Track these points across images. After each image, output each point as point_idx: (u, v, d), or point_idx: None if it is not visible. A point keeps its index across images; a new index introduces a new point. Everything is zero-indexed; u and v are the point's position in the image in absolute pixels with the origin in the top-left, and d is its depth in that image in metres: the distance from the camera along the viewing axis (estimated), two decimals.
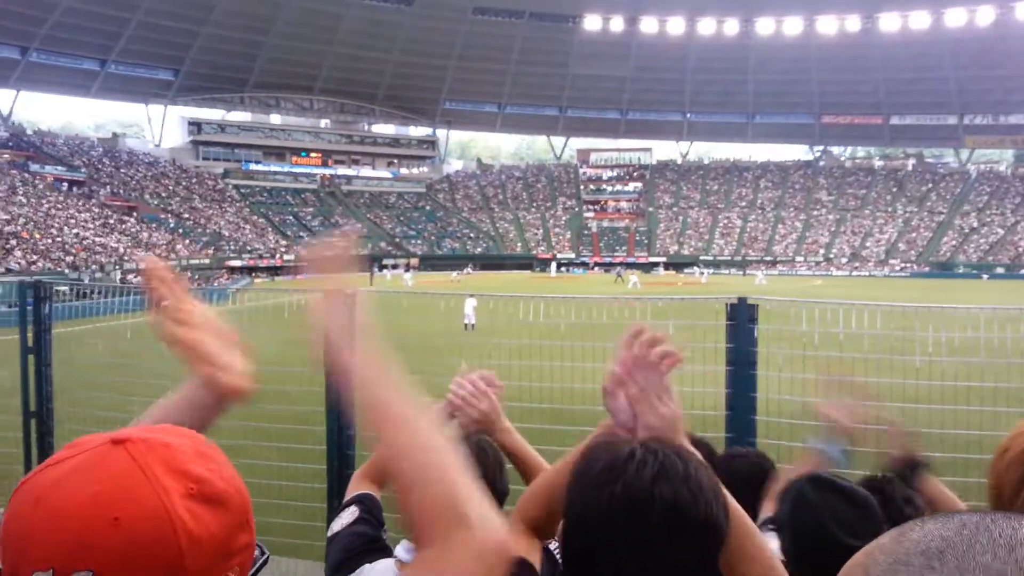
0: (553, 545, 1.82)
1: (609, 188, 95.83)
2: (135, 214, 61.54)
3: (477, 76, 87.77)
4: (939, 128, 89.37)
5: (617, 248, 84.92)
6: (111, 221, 55.97)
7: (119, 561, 0.79)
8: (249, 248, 65.83)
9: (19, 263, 40.07)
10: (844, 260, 77.78)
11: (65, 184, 61.69)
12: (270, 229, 74.12)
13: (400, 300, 7.80)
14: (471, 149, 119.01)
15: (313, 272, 1.33)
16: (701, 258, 79.94)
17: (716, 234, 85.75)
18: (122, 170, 71.69)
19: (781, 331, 4.89)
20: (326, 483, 4.67)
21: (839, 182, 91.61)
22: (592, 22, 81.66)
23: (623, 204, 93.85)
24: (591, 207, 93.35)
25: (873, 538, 0.65)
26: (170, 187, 72.78)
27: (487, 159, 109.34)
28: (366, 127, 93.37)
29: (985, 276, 65.57)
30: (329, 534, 2.00)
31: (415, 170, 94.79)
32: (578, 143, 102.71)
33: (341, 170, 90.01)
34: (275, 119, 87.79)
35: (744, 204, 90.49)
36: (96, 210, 57.22)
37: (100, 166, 70.26)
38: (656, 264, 79.37)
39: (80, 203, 57.23)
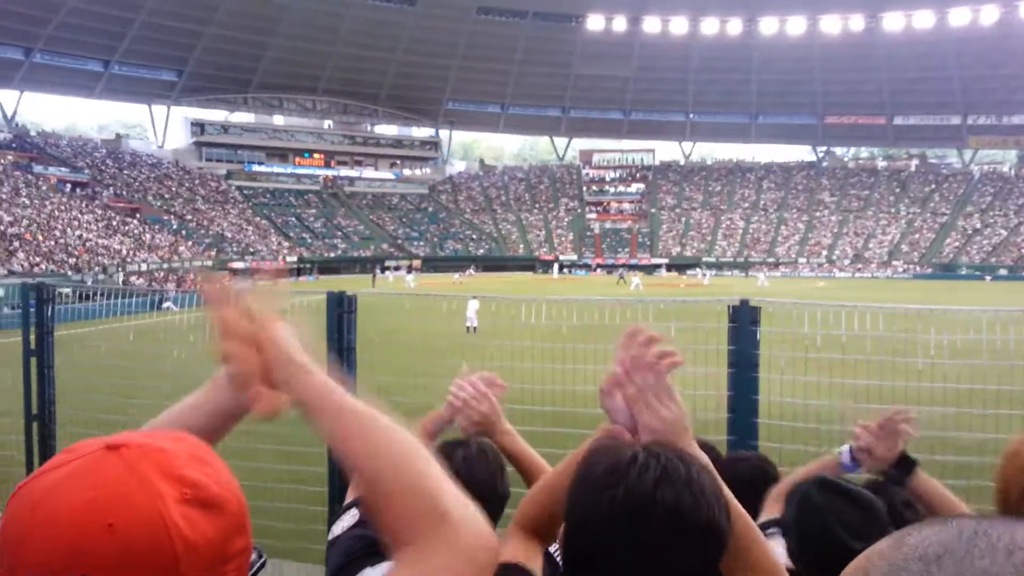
0: (554, 548, 1.82)
1: (612, 189, 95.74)
2: (138, 216, 61.63)
3: (480, 76, 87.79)
4: (943, 128, 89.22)
5: (620, 250, 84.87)
6: (114, 223, 56.05)
7: (114, 567, 0.79)
8: (252, 250, 65.88)
9: (22, 265, 40.13)
10: (847, 261, 77.65)
11: (68, 186, 61.78)
12: (273, 231, 74.21)
13: (402, 302, 7.81)
14: (474, 150, 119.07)
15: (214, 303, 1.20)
16: (704, 259, 79.77)
17: (719, 235, 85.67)
18: (125, 171, 71.83)
19: (783, 333, 4.89)
20: (327, 486, 4.66)
21: (842, 183, 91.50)
22: (595, 22, 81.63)
23: (626, 205, 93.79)
24: (594, 208, 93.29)
25: (878, 540, 0.66)
26: (173, 188, 72.91)
27: (490, 160, 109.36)
28: (369, 128, 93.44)
29: (988, 277, 65.46)
30: (330, 538, 1.99)
31: (418, 171, 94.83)
32: (581, 144, 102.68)
33: (344, 171, 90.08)
34: (278, 120, 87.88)
35: (747, 205, 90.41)
36: (99, 212, 57.30)
37: (103, 167, 70.41)
38: (658, 266, 79.19)
39: (83, 205, 57.31)
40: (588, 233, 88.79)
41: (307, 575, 5.14)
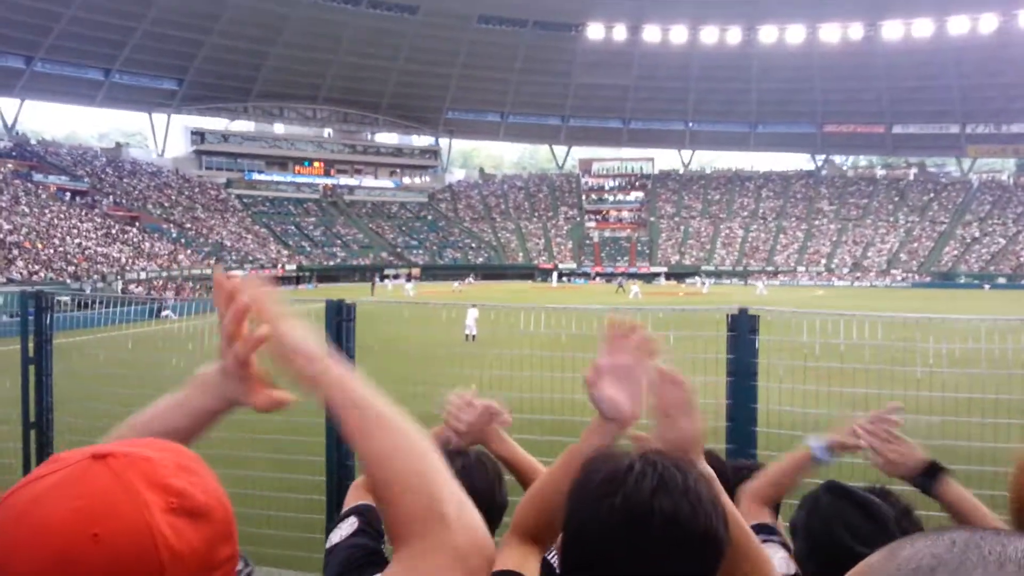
0: (552, 555, 1.82)
1: (611, 198, 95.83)
2: (137, 224, 61.68)
3: (480, 85, 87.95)
4: (941, 137, 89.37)
5: (619, 258, 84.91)
6: (113, 231, 56.08)
7: None
8: (251, 258, 65.87)
9: (21, 273, 40.14)
10: (846, 270, 77.66)
11: (68, 194, 61.85)
12: (272, 239, 74.22)
13: (402, 310, 7.81)
14: (473, 158, 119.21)
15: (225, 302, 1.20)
16: (703, 268, 79.77)
17: (718, 244, 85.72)
18: (125, 180, 71.87)
19: (782, 342, 4.89)
20: (325, 494, 4.64)
21: (841, 191, 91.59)
22: (595, 31, 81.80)
23: (625, 214, 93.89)
24: (593, 217, 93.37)
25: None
26: (173, 197, 72.94)
27: (489, 168, 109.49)
28: (369, 136, 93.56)
29: (987, 286, 65.44)
30: (328, 546, 1.99)
31: (417, 180, 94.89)
32: (580, 152, 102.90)
33: (343, 180, 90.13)
34: (278, 128, 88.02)
35: (746, 214, 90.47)
36: (99, 220, 57.35)
37: (103, 176, 70.45)
38: (658, 274, 79.27)
39: (83, 213, 57.36)
40: (587, 242, 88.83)
41: None
